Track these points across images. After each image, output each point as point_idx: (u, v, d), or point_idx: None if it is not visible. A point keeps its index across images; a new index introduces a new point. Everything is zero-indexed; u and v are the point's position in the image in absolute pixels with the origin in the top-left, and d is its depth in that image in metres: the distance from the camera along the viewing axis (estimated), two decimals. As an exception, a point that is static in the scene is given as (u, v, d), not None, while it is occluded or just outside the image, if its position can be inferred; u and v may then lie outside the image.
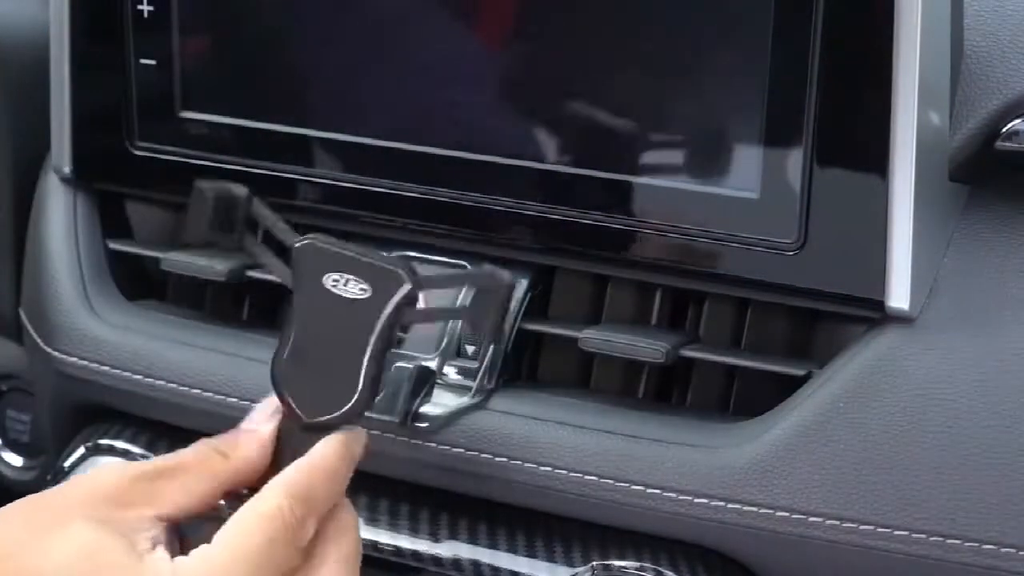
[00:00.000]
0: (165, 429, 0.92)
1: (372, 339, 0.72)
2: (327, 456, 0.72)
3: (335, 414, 0.73)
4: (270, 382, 0.75)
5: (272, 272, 0.76)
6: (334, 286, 0.72)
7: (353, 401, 0.73)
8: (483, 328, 0.75)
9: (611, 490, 0.78)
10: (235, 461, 0.72)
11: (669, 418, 0.80)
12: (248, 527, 0.67)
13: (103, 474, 0.69)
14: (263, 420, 0.75)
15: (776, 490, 0.75)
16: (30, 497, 0.69)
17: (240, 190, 0.76)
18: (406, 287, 0.72)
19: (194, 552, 0.66)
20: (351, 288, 0.72)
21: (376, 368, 0.73)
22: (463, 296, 0.82)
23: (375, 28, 0.85)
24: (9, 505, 0.68)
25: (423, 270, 0.86)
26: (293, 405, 0.74)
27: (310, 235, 0.74)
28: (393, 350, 0.80)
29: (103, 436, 0.93)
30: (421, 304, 0.75)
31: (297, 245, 0.74)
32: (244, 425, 0.75)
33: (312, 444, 0.74)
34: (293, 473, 0.70)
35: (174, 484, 0.70)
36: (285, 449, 0.76)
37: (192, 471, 0.71)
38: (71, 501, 0.67)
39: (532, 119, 0.82)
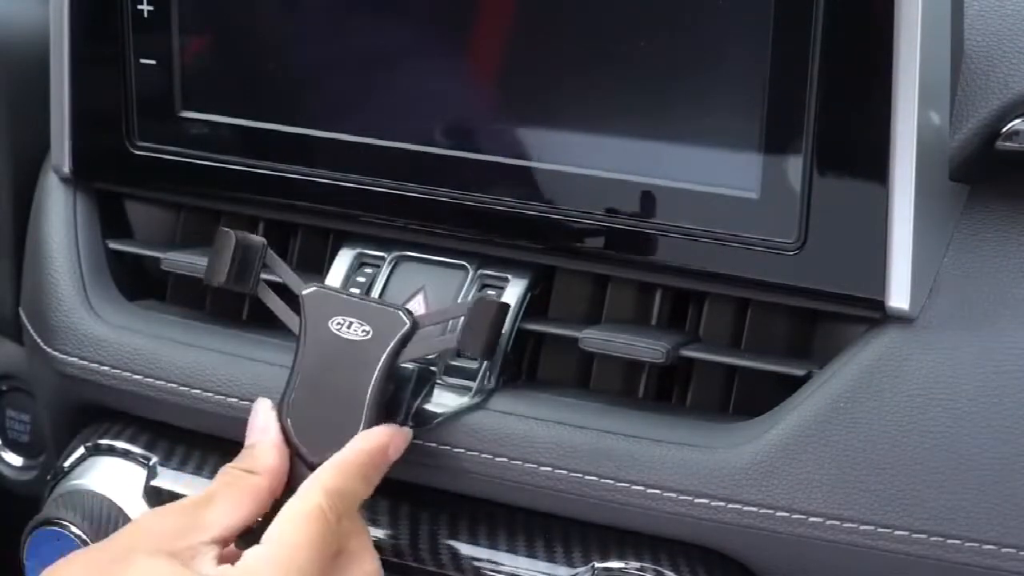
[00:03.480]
0: (165, 429, 0.92)
1: (374, 376, 0.76)
2: (360, 453, 0.76)
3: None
4: (279, 421, 0.79)
5: (281, 319, 0.81)
6: (338, 329, 0.76)
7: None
8: (476, 350, 0.79)
9: (611, 490, 0.78)
10: (261, 474, 0.77)
11: (669, 418, 0.80)
12: (292, 526, 0.71)
13: (150, 517, 0.76)
14: (265, 427, 0.78)
15: (776, 490, 0.75)
16: (90, 546, 0.75)
17: (256, 239, 0.81)
18: (406, 326, 0.77)
19: (245, 555, 0.71)
20: (354, 330, 0.77)
21: (378, 405, 0.76)
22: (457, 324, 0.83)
23: (376, 28, 0.85)
24: (70, 555, 0.73)
25: (422, 271, 0.87)
26: (300, 446, 0.77)
27: (315, 283, 0.79)
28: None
29: (103, 436, 0.93)
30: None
31: (305, 292, 0.79)
32: (249, 438, 0.78)
33: None
34: (328, 471, 0.74)
35: (216, 510, 0.74)
36: (296, 486, 0.78)
37: (227, 495, 0.75)
38: (130, 543, 0.72)
39: (532, 119, 0.82)
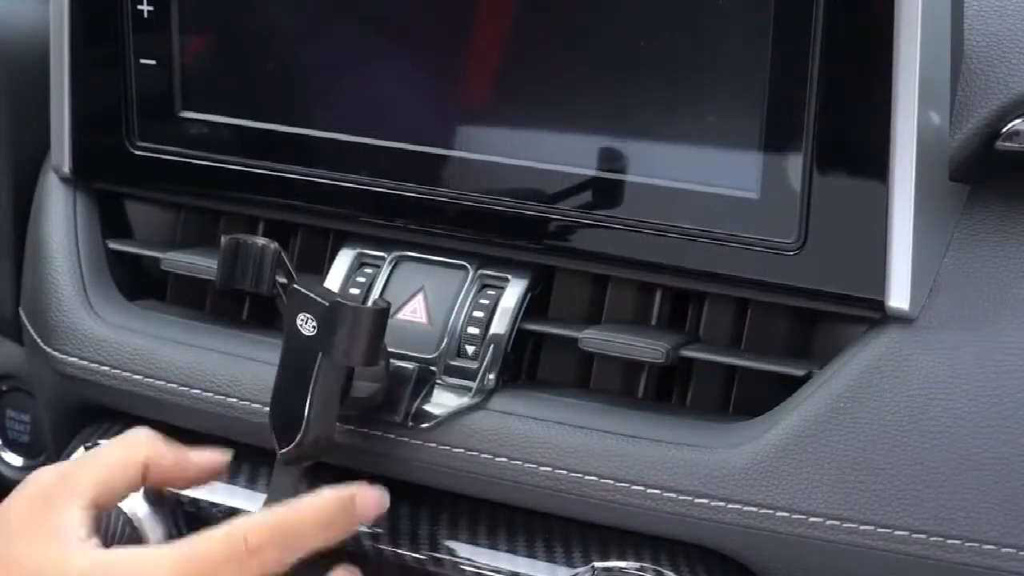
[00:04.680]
0: (165, 429, 0.92)
1: (314, 373, 0.75)
2: (301, 512, 0.74)
3: (286, 448, 0.78)
4: (270, 395, 0.80)
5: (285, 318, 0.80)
6: (302, 326, 0.75)
7: (299, 437, 0.77)
8: (355, 359, 0.77)
9: (611, 490, 0.78)
10: (154, 464, 0.77)
11: (669, 418, 0.80)
12: (203, 539, 0.71)
13: (36, 476, 0.76)
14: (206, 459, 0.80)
15: (776, 490, 0.75)
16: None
17: (270, 244, 0.80)
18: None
19: (130, 547, 0.74)
20: (309, 326, 0.76)
21: (322, 403, 0.76)
22: None
23: (375, 28, 0.85)
24: None
25: (422, 271, 0.86)
26: (275, 436, 0.79)
27: (298, 283, 0.78)
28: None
29: (103, 436, 0.93)
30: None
31: (288, 290, 0.78)
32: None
33: (285, 477, 0.79)
34: (266, 514, 0.74)
35: (92, 478, 0.75)
36: (273, 479, 0.81)
37: (110, 468, 0.76)
38: (10, 508, 0.74)
39: (532, 120, 0.82)
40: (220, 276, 0.80)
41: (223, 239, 0.80)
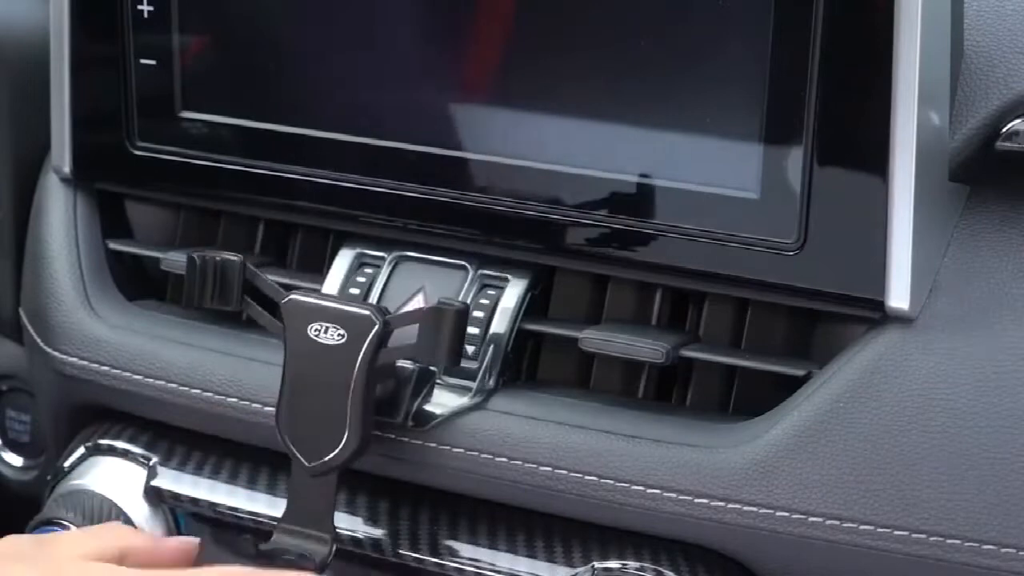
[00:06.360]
0: (165, 429, 0.92)
1: (354, 378, 0.76)
2: None
3: (330, 456, 0.78)
4: (274, 420, 0.80)
5: (269, 329, 0.81)
6: (317, 335, 0.78)
7: (344, 442, 0.76)
8: (438, 358, 0.78)
9: (611, 490, 0.78)
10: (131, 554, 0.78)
11: (669, 418, 0.80)
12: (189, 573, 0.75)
13: (10, 539, 0.77)
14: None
15: (776, 490, 0.75)
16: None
17: (234, 257, 0.82)
18: (376, 327, 0.77)
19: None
20: (330, 335, 0.77)
21: (363, 406, 0.77)
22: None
23: (375, 29, 0.85)
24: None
25: (422, 271, 0.86)
26: (295, 450, 0.78)
27: (294, 292, 0.80)
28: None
29: (103, 436, 0.93)
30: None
31: (283, 303, 0.80)
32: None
33: (317, 488, 0.78)
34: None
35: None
36: (294, 494, 0.80)
37: (86, 556, 0.77)
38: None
39: (532, 120, 0.82)
40: (186, 295, 0.83)
41: (188, 259, 0.81)
